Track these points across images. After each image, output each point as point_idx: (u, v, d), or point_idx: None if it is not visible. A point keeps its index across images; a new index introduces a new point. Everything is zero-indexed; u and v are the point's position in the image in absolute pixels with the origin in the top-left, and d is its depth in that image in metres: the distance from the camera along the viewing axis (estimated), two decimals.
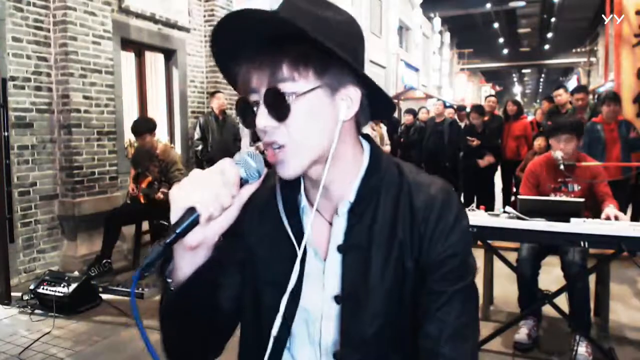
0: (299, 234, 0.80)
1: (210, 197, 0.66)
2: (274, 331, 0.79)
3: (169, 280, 0.75)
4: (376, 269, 0.78)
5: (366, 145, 0.84)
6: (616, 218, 2.67)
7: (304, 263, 0.81)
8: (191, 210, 0.66)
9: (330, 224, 0.82)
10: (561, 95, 5.91)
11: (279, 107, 0.71)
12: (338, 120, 0.75)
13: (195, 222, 0.66)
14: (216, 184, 0.67)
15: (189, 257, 0.72)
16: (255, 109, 0.74)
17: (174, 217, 0.66)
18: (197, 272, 0.73)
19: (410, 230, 0.78)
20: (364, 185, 0.80)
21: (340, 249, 0.80)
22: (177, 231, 0.65)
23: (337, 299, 0.80)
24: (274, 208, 0.84)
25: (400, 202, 0.79)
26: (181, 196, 0.67)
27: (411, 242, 0.78)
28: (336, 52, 0.69)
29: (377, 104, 0.81)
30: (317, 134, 0.74)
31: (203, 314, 0.79)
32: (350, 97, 0.75)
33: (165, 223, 4.37)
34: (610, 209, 2.77)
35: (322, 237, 0.82)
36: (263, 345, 0.80)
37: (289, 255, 0.79)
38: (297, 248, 0.78)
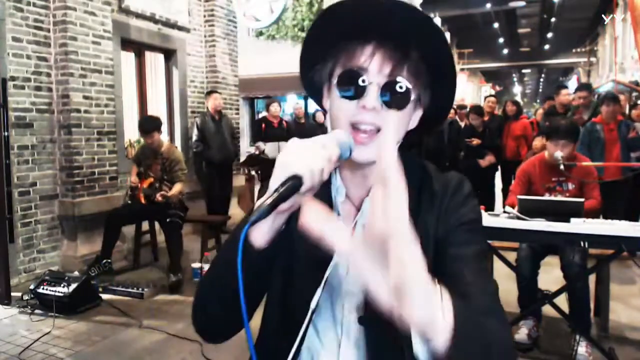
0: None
1: (316, 169, 0.67)
2: (304, 327, 0.79)
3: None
4: None
5: None
6: None
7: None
8: (294, 177, 0.66)
9: (358, 208, 0.85)
10: (564, 95, 5.90)
11: (402, 98, 0.79)
12: (407, 128, 0.85)
13: (296, 189, 0.67)
14: (322, 159, 0.69)
15: (272, 221, 0.72)
16: (364, 84, 0.78)
17: (276, 180, 0.67)
18: (274, 238, 0.74)
19: (432, 212, 0.82)
20: None
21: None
22: (281, 192, 0.66)
23: None
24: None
25: (422, 188, 0.85)
26: (290, 162, 0.67)
27: (436, 226, 0.81)
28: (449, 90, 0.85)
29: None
30: (402, 132, 0.84)
31: (261, 280, 0.79)
32: (417, 116, 0.86)
33: (177, 220, 4.37)
34: None
35: (349, 217, 0.85)
36: (289, 329, 0.80)
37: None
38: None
